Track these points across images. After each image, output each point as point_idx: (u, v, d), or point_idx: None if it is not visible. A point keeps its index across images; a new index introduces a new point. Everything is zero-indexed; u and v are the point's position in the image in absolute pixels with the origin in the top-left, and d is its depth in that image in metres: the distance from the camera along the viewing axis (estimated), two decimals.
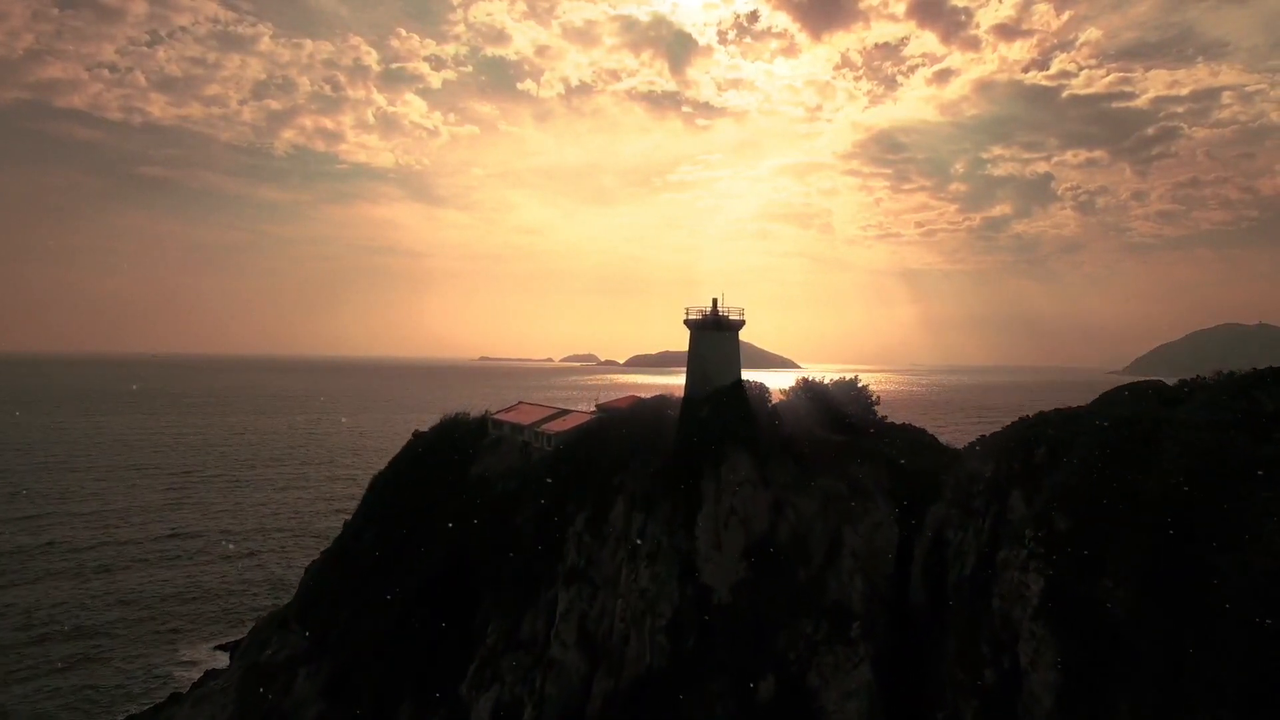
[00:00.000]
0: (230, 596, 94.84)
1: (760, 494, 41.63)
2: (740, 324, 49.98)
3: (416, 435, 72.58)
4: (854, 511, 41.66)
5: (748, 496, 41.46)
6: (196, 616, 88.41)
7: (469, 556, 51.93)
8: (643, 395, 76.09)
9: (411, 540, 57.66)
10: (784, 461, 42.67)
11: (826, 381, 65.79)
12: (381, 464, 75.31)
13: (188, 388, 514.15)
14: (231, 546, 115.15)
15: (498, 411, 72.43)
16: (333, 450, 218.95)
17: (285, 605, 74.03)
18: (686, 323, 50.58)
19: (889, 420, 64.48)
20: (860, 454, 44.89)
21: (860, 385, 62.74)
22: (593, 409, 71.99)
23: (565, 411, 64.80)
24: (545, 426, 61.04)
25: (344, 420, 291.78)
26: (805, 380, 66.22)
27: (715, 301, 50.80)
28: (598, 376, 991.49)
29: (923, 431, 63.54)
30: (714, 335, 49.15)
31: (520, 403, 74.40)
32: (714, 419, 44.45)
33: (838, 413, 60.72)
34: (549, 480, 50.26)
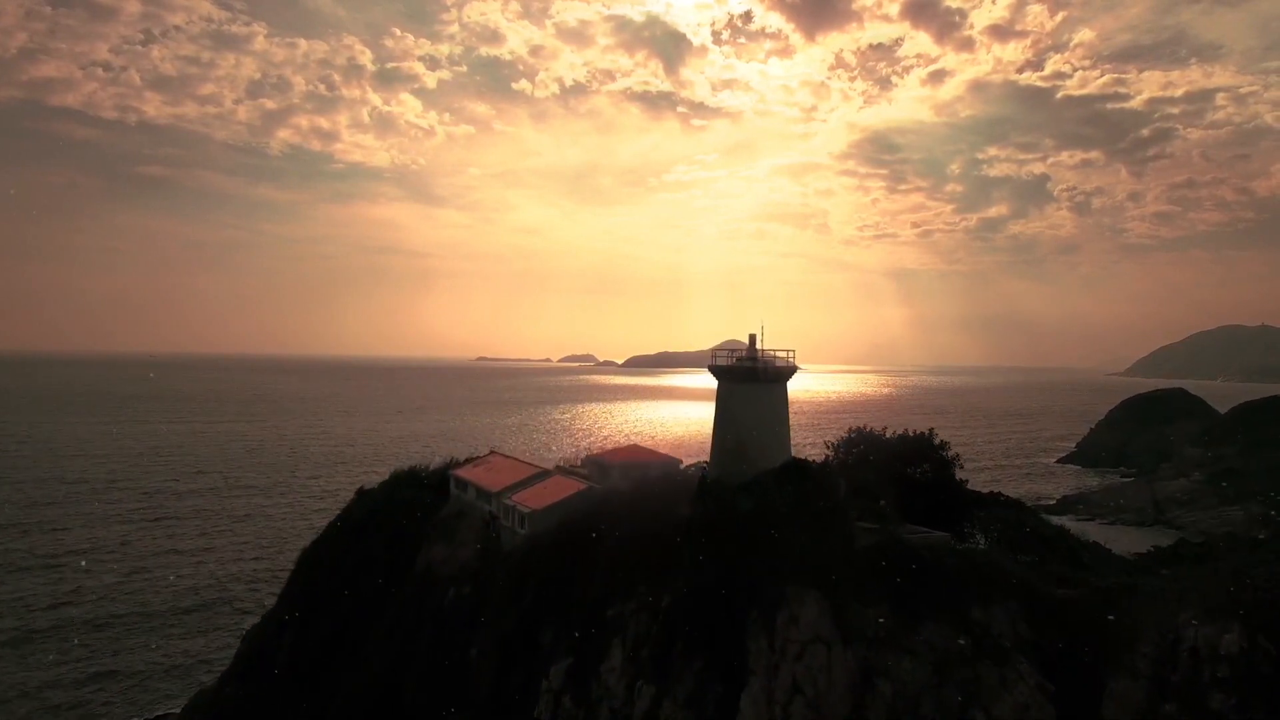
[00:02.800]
0: (164, 675, 78.67)
1: (839, 658, 26.39)
2: (790, 371, 34.74)
3: (360, 494, 57.26)
4: (984, 683, 26.43)
5: (819, 662, 26.23)
6: (128, 693, 72.73)
7: (404, 700, 36.68)
8: (645, 445, 60.89)
9: (335, 659, 42.41)
10: (873, 600, 27.40)
11: (887, 434, 50.76)
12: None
13: (178, 390, 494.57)
14: (187, 601, 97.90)
15: (464, 463, 57.15)
16: (318, 464, 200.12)
17: (189, 709, 59.01)
18: (713, 369, 35.29)
19: (969, 485, 49.32)
20: (978, 577, 29.61)
21: (936, 441, 47.56)
22: (582, 463, 56.84)
23: (545, 473, 49.42)
24: (518, 497, 45.75)
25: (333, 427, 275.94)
26: (860, 431, 51.06)
27: (753, 338, 35.55)
28: (596, 377, 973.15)
29: (1021, 506, 48.38)
30: (753, 390, 33.86)
31: (493, 453, 59.00)
32: (760, 529, 29.16)
33: (907, 480, 45.70)
34: (511, 596, 34.97)
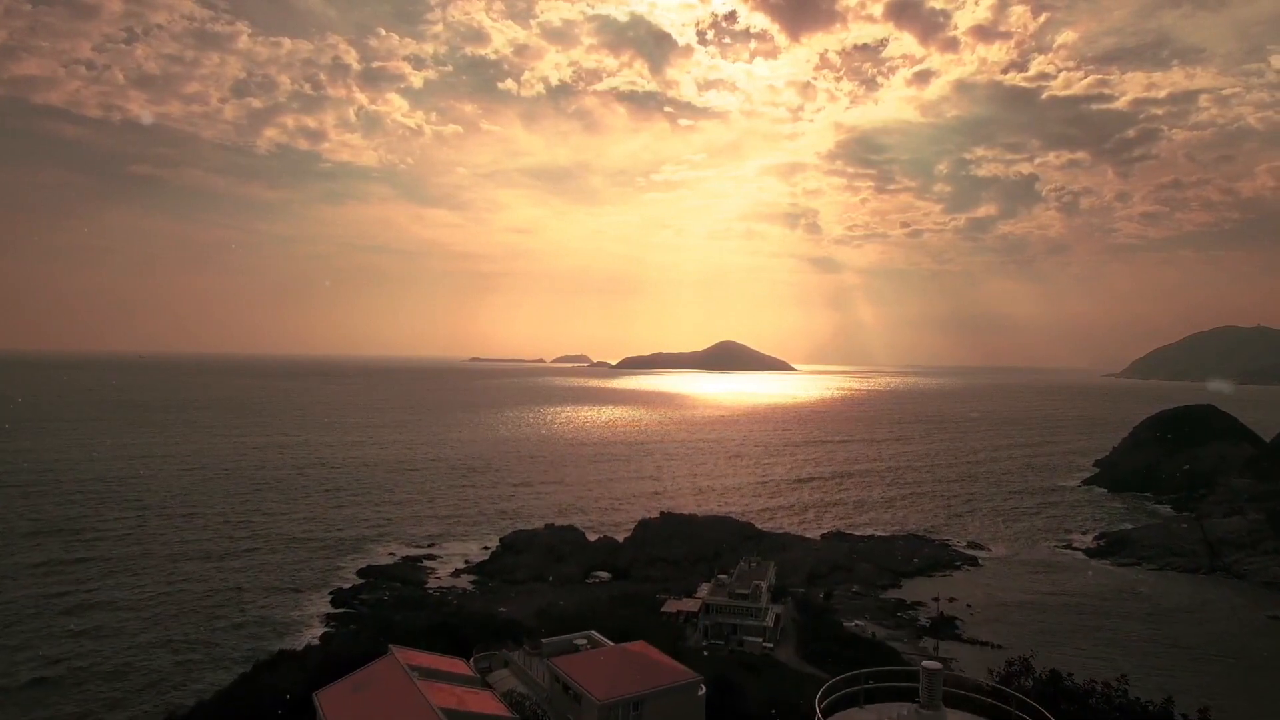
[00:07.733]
0: None
1: None
2: None
3: None
4: None
5: None
6: None
7: None
8: (650, 653, 39.69)
9: None
10: None
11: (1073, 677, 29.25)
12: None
13: (164, 396, 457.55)
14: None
15: (338, 682, 35.57)
16: (291, 491, 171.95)
17: None
18: None
19: None
20: None
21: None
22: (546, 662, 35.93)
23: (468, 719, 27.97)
24: None
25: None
26: (1026, 668, 29.31)
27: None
28: (590, 379, 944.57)
29: None
30: None
31: (393, 651, 37.39)
32: None
33: None
34: None
